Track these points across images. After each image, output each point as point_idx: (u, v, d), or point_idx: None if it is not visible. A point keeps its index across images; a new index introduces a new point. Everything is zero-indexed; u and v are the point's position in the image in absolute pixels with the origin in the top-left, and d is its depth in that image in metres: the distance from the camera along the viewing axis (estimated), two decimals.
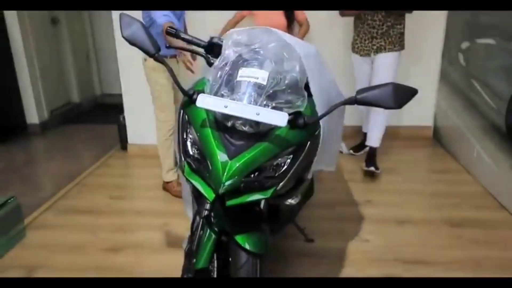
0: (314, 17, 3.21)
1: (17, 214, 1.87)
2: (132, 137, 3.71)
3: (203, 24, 3.25)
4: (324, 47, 2.89)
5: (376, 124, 3.11)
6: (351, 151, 3.52)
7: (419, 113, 3.82)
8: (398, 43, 2.94)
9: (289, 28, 3.09)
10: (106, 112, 4.88)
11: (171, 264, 1.87)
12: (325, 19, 3.44)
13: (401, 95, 1.20)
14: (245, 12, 3.13)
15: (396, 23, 2.89)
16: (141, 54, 2.11)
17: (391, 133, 3.22)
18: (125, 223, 2.57)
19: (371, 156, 3.18)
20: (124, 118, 3.71)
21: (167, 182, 2.96)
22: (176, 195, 2.89)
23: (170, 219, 2.54)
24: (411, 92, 1.22)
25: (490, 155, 2.85)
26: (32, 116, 4.42)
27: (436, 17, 3.62)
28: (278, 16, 3.03)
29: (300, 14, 3.13)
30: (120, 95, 3.68)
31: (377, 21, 2.89)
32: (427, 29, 3.58)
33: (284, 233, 2.24)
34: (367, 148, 3.29)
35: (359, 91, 1.23)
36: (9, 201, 1.81)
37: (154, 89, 2.80)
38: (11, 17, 4.11)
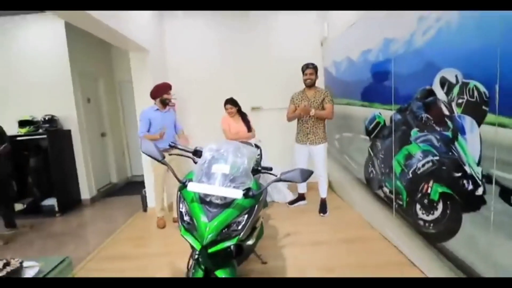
0: (273, 122, 3.25)
1: (69, 269, 1.60)
2: (150, 203, 3.46)
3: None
4: (277, 141, 2.99)
5: (322, 182, 3.04)
6: (288, 204, 3.28)
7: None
8: (323, 137, 2.93)
9: (249, 131, 3.13)
10: (134, 187, 4.58)
11: None
12: (276, 124, 3.48)
13: (304, 174, 1.26)
14: (227, 127, 3.09)
15: (319, 124, 2.91)
16: None
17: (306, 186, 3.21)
18: (144, 264, 2.29)
19: (324, 205, 3.04)
20: (145, 191, 3.50)
21: (159, 218, 3.01)
22: (158, 226, 2.96)
23: (176, 259, 2.30)
24: (309, 173, 1.28)
25: (359, 195, 2.92)
26: (85, 193, 4.07)
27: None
28: (241, 125, 3.12)
29: (252, 126, 3.19)
30: (143, 176, 3.50)
31: (309, 122, 2.91)
32: None
33: (247, 260, 2.10)
34: (301, 202, 3.24)
35: (282, 173, 1.29)
36: (64, 260, 1.56)
37: (154, 172, 2.95)
38: (75, 131, 3.95)
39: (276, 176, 1.77)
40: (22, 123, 3.59)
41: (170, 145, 1.66)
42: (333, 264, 2.07)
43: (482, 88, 1.30)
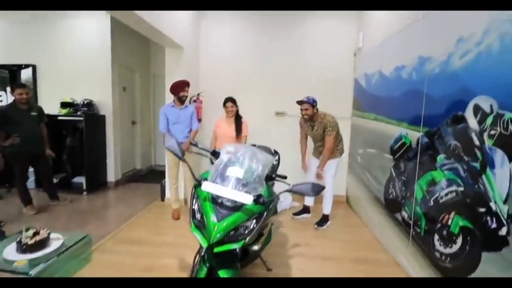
0: (295, 129, 3.24)
1: (88, 246, 1.76)
2: (168, 194, 3.61)
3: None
4: (297, 148, 3.03)
5: (326, 199, 3.00)
6: (292, 216, 3.22)
7: (338, 187, 3.81)
8: (337, 153, 2.93)
9: (238, 137, 3.03)
10: (156, 175, 4.84)
11: None
12: (298, 132, 3.37)
13: (316, 189, 1.28)
14: (215, 129, 3.10)
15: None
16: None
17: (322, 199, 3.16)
18: (158, 251, 2.41)
19: (323, 219, 3.03)
20: (164, 182, 3.66)
21: (174, 209, 3.18)
22: (173, 217, 3.12)
23: (186, 251, 2.39)
24: (321, 187, 1.29)
25: (376, 216, 2.82)
26: (111, 176, 4.35)
27: (345, 137, 3.80)
28: (231, 129, 3.04)
29: (244, 131, 3.05)
30: (164, 165, 3.65)
31: (321, 147, 2.93)
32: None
33: (252, 264, 2.14)
34: (305, 215, 3.20)
35: (294, 185, 1.31)
36: (85, 237, 1.72)
37: (167, 164, 3.18)
38: (108, 116, 4.23)
39: (290, 185, 1.80)
40: (64, 105, 3.94)
41: (191, 143, 1.75)
42: None
43: None
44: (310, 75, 3.90)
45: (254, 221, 1.35)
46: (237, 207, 1.33)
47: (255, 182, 1.37)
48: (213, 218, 1.29)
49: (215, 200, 1.36)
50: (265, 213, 1.39)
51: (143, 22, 2.49)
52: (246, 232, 1.32)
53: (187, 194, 3.29)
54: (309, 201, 3.24)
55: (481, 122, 1.45)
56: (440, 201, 1.75)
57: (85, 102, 3.99)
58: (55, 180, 3.82)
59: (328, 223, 3.05)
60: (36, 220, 3.02)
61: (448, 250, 1.67)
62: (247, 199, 1.28)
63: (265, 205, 1.37)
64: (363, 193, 3.26)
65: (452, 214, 1.63)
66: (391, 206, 2.50)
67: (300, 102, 2.85)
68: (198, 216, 1.39)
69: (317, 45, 3.88)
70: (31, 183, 3.95)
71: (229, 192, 1.29)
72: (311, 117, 2.86)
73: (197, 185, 1.44)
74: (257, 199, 1.31)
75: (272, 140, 3.39)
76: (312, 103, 2.82)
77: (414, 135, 2.12)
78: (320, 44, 3.88)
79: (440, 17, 1.85)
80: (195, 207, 1.42)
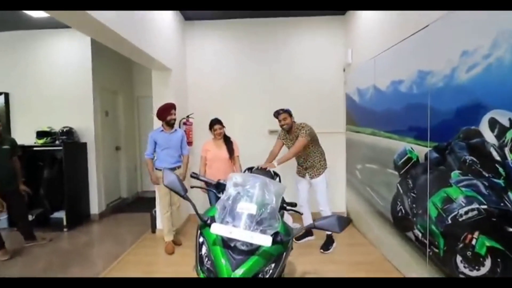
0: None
1: None
2: (159, 224, 3.34)
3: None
4: (291, 166, 2.90)
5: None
6: (295, 241, 2.98)
7: (337, 204, 3.74)
8: (321, 168, 2.82)
9: (231, 159, 2.91)
10: (143, 203, 4.55)
11: None
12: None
13: (342, 223, 1.15)
14: (204, 154, 2.92)
15: (313, 158, 2.81)
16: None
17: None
18: None
19: (328, 242, 2.88)
20: (155, 212, 3.39)
21: (167, 242, 2.91)
22: (166, 251, 2.85)
23: None
24: (347, 221, 1.16)
25: (384, 235, 2.70)
26: (94, 208, 4.02)
27: (340, 152, 3.76)
28: (223, 151, 2.90)
29: (236, 152, 2.94)
30: (152, 192, 3.44)
31: (302, 160, 2.83)
32: (337, 157, 3.68)
33: None
34: (308, 238, 3.07)
35: (316, 220, 1.18)
36: None
37: (157, 192, 3.00)
38: (90, 143, 3.96)
39: (301, 213, 1.65)
40: (40, 134, 3.63)
41: (191, 176, 1.58)
42: None
43: None
44: (301, 92, 3.86)
45: (273, 264, 1.18)
46: (253, 250, 1.16)
47: (270, 217, 1.21)
48: (226, 266, 1.11)
49: (226, 243, 1.18)
50: (284, 254, 1.22)
51: (127, 44, 2.34)
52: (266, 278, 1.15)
53: (180, 220, 3.04)
54: (308, 221, 3.07)
55: (499, 136, 1.39)
56: (460, 220, 1.66)
57: (65, 130, 3.71)
58: (30, 218, 3.46)
59: (334, 245, 2.90)
60: (10, 266, 2.65)
61: (475, 273, 1.56)
62: (266, 240, 1.10)
63: (283, 244, 1.21)
64: (365, 209, 3.15)
65: (476, 233, 1.54)
66: (401, 224, 2.40)
67: (276, 113, 2.77)
68: (207, 264, 1.20)
69: (307, 62, 3.88)
70: (3, 222, 3.55)
71: (245, 235, 1.12)
72: (290, 127, 2.76)
73: (204, 225, 1.26)
74: (275, 237, 1.15)
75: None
76: (289, 112, 2.76)
77: (421, 150, 2.06)
78: (309, 61, 3.88)
79: (439, 31, 1.85)
80: (203, 251, 1.24)
